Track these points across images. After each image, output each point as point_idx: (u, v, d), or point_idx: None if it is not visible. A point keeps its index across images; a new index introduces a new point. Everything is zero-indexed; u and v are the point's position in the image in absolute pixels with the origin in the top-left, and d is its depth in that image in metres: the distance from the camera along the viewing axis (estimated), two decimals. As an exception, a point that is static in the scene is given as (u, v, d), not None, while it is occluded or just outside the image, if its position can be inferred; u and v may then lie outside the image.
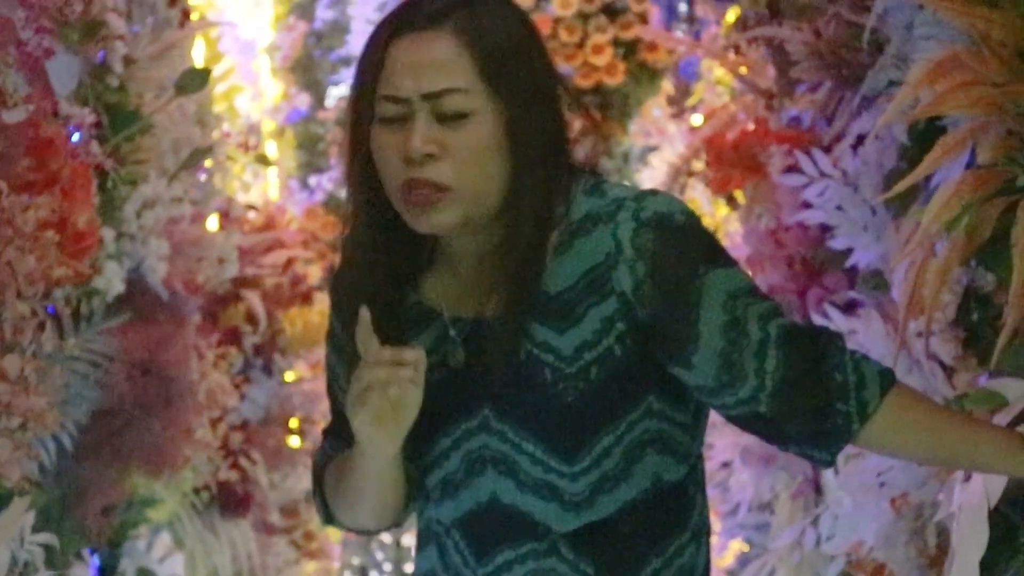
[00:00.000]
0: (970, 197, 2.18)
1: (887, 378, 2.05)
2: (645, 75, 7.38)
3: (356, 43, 7.65)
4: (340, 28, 7.58)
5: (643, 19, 7.24)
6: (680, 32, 5.20)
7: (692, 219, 2.04)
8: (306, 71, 7.52)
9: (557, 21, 7.25)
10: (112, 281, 3.32)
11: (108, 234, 3.31)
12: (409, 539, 8.20)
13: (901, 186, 2.24)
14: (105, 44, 3.35)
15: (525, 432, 2.05)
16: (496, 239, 2.06)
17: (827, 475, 3.78)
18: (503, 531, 2.08)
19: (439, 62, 2.00)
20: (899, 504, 2.97)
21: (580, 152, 2.11)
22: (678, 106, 7.38)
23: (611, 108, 7.41)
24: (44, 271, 2.46)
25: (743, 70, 4.89)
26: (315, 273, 5.74)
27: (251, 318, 4.61)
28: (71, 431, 3.00)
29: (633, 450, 2.05)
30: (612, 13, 7.24)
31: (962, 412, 2.25)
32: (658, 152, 6.13)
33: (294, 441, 5.38)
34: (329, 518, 2.24)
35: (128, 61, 3.46)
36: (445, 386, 2.08)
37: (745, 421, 2.08)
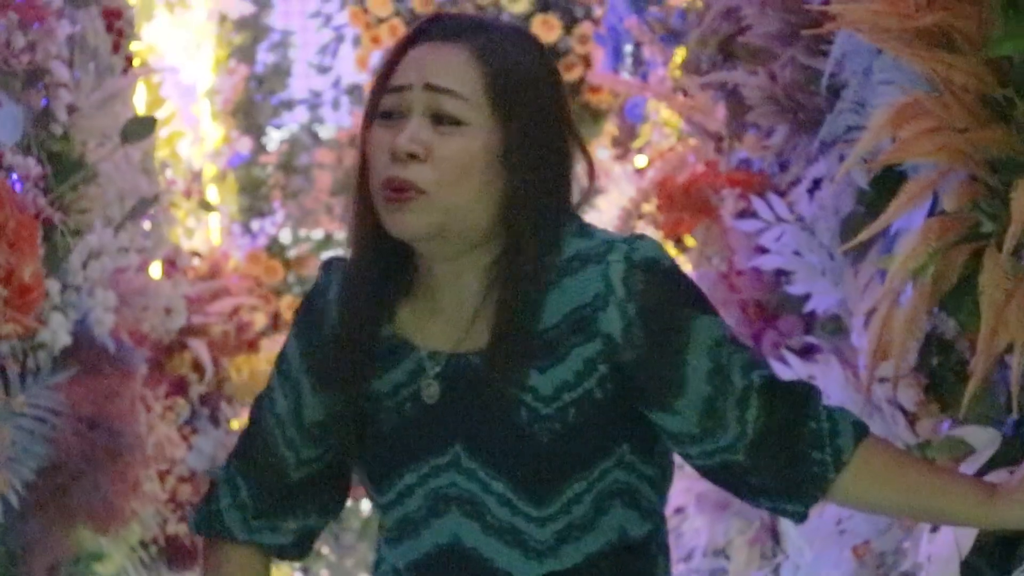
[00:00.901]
0: (936, 244, 2.16)
1: (860, 428, 2.06)
2: (588, 116, 7.37)
3: (298, 86, 7.63)
4: (282, 71, 7.54)
5: (586, 61, 7.23)
6: (625, 74, 5.18)
7: (677, 266, 2.05)
8: (247, 115, 7.47)
9: (500, 63, 7.23)
10: (58, 334, 3.24)
11: (53, 286, 3.24)
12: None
13: (866, 234, 2.22)
14: (48, 92, 3.30)
15: (495, 472, 2.01)
16: (479, 272, 2.03)
17: (784, 521, 3.75)
18: None
19: (448, 65, 2.01)
20: (861, 552, 2.95)
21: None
22: (623, 147, 7.37)
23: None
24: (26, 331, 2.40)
25: (691, 112, 4.88)
26: (260, 320, 5.68)
27: (197, 367, 4.54)
28: (17, 488, 2.92)
29: (602, 500, 2.02)
30: (555, 55, 7.23)
31: (933, 463, 2.23)
32: (605, 195, 6.12)
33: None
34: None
35: (71, 109, 3.41)
36: (415, 421, 2.04)
37: (719, 472, 2.06)
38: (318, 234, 7.73)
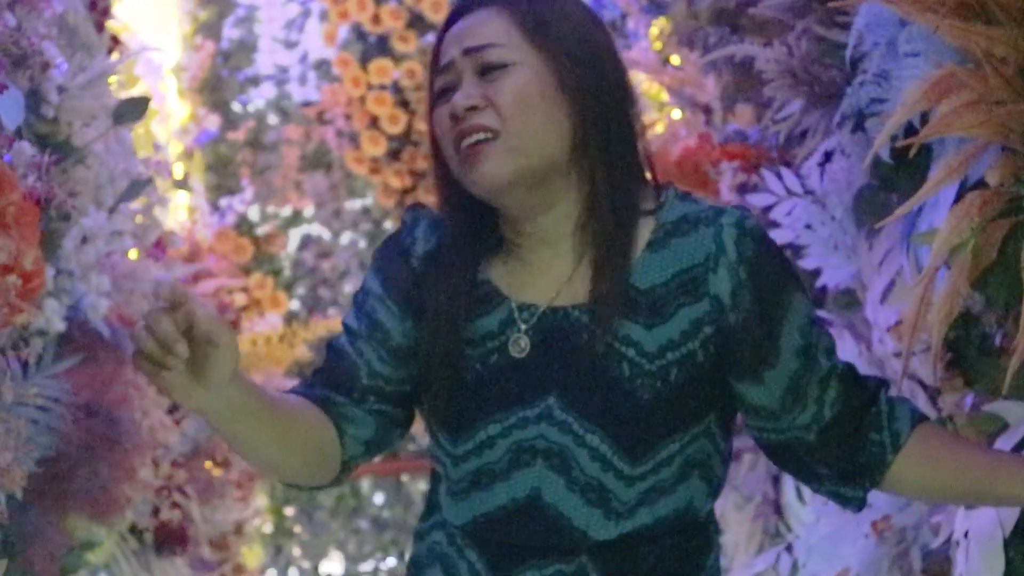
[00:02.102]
0: (978, 219, 2.12)
1: (917, 413, 2.09)
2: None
3: (264, 62, 7.53)
4: (248, 47, 7.45)
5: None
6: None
7: (777, 245, 2.08)
8: (214, 91, 7.38)
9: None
10: (52, 320, 3.18)
11: (47, 271, 3.17)
12: (328, 567, 8.08)
13: (903, 209, 2.18)
14: (37, 73, 3.22)
15: (592, 425, 2.00)
16: (568, 229, 2.04)
17: (789, 496, 3.73)
18: (532, 538, 2.01)
19: (479, 26, 2.05)
20: (881, 528, 2.92)
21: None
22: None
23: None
24: (5, 317, 2.33)
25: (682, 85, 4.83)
26: (239, 299, 5.61)
27: (182, 350, 4.45)
28: (21, 480, 2.86)
29: (687, 466, 2.03)
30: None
31: (987, 446, 2.21)
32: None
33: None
34: None
35: (60, 90, 3.33)
36: (501, 373, 2.03)
37: (785, 450, 2.08)
38: (287, 211, 7.66)
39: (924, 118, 2.43)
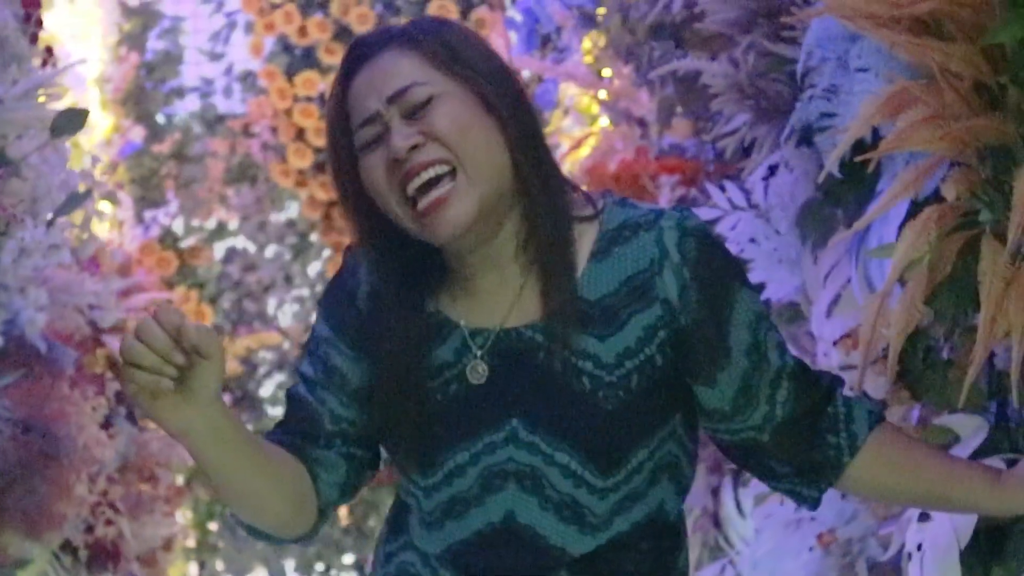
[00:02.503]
0: (935, 233, 2.14)
1: (875, 415, 2.09)
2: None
3: (189, 73, 7.48)
4: (173, 59, 7.39)
5: (483, 46, 7.17)
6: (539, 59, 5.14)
7: (721, 238, 2.11)
8: (138, 103, 7.31)
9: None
10: (-10, 335, 3.14)
11: (-17, 285, 3.13)
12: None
13: (863, 222, 2.20)
14: (-28, 84, 3.18)
15: (560, 443, 1.99)
16: (513, 248, 2.03)
17: (728, 509, 3.74)
18: (509, 560, 2.01)
19: (392, 69, 2.01)
20: (827, 540, 2.93)
21: None
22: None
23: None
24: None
25: (605, 96, 4.85)
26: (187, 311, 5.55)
27: (113, 365, 4.42)
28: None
29: (656, 471, 2.03)
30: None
31: (944, 451, 2.22)
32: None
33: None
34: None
35: (-6, 102, 3.29)
36: (463, 401, 2.02)
37: (741, 450, 2.09)
38: (211, 224, 7.60)
39: (876, 134, 2.45)
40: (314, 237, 7.62)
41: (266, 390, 7.70)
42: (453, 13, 7.09)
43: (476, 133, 1.98)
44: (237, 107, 7.49)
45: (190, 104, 7.45)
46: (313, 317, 7.59)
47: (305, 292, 7.68)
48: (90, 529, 4.01)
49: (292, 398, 2.11)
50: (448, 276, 2.07)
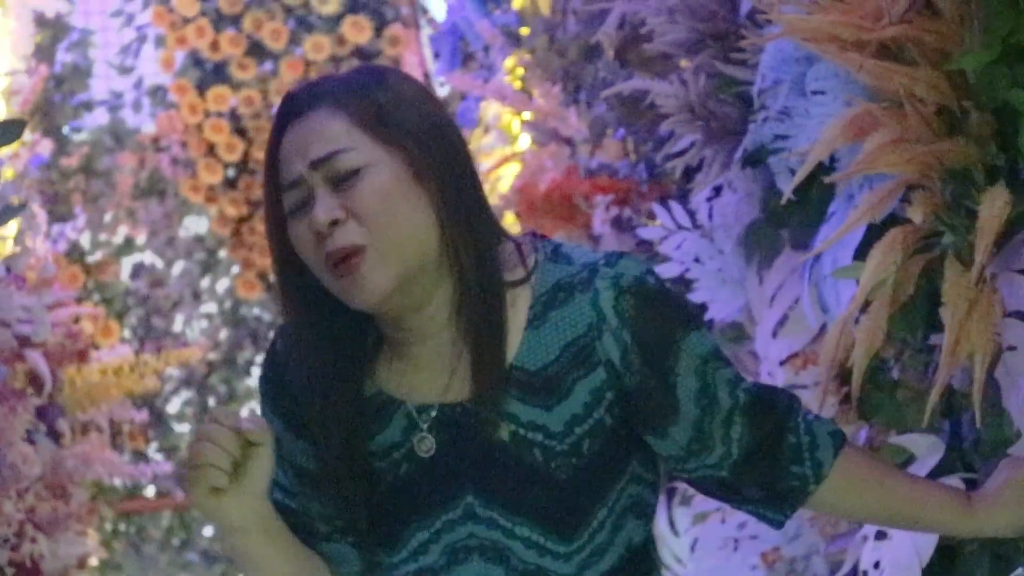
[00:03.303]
0: (901, 254, 2.17)
1: (838, 438, 2.05)
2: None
3: (98, 87, 7.40)
4: (82, 72, 7.31)
5: (395, 63, 7.18)
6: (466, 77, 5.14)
7: (660, 281, 1.99)
8: (46, 116, 7.22)
9: (309, 64, 7.14)
10: (-78, 349, 3.08)
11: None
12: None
13: (827, 244, 2.23)
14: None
15: (517, 516, 1.95)
16: (446, 319, 1.97)
17: (661, 527, 3.76)
18: None
19: (319, 132, 1.95)
20: (771, 559, 2.96)
21: None
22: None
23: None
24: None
25: (529, 115, 4.86)
26: (87, 329, 5.49)
27: (33, 380, 4.36)
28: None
29: (619, 519, 2.00)
30: (365, 56, 7.18)
31: (909, 472, 2.24)
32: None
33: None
34: None
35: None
36: (415, 479, 1.98)
37: (703, 484, 2.06)
38: (119, 239, 7.52)
39: (830, 158, 2.48)
40: (223, 253, 7.57)
41: (173, 406, 7.64)
42: (367, 30, 7.09)
43: (400, 212, 1.92)
44: (146, 121, 7.42)
45: (99, 118, 7.36)
46: (221, 334, 7.57)
47: (213, 308, 7.62)
48: (15, 547, 3.94)
49: (277, 506, 2.05)
50: (386, 346, 2.02)
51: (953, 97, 2.20)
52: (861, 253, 2.42)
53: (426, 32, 7.19)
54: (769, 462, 2.02)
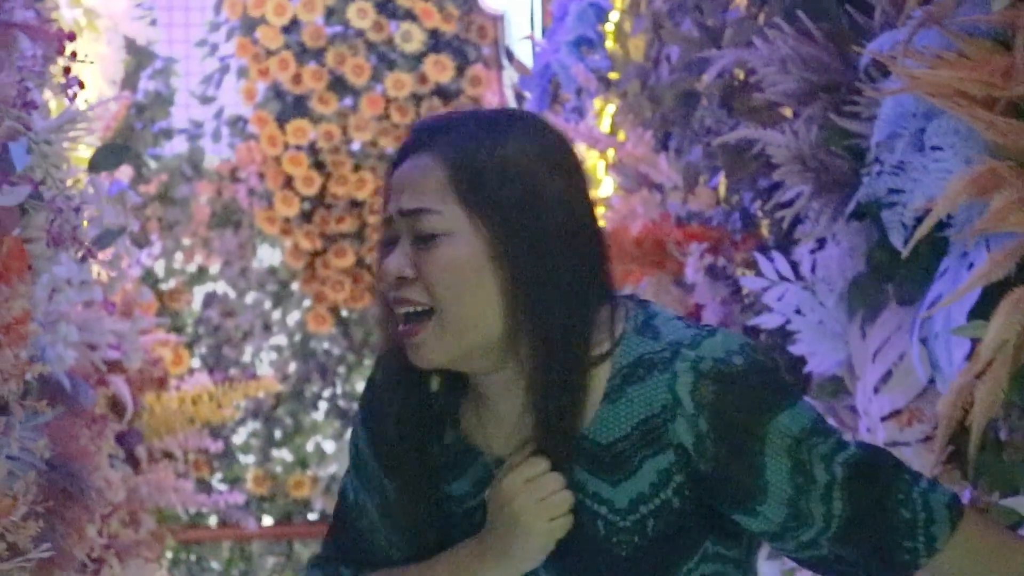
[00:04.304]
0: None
1: (955, 509, 1.98)
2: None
3: (179, 115, 7.45)
4: (164, 100, 7.36)
5: (476, 103, 7.20)
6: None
7: (751, 359, 1.93)
8: (127, 142, 7.27)
9: (389, 101, 7.16)
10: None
11: (17, 319, 3.08)
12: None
13: (948, 300, 2.20)
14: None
15: None
16: (521, 378, 1.95)
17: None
18: None
19: (416, 182, 1.94)
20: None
21: None
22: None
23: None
24: (21, 365, 2.26)
25: (615, 160, 4.85)
26: (167, 356, 5.51)
27: (115, 405, 4.37)
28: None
29: None
30: (446, 95, 7.19)
31: (1027, 538, 2.20)
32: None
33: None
34: None
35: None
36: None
37: (809, 563, 2.00)
38: (192, 267, 7.56)
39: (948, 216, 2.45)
40: (295, 286, 7.58)
41: (239, 437, 7.65)
42: (449, 69, 7.11)
43: (467, 288, 1.91)
44: (224, 151, 7.46)
45: (178, 146, 7.41)
46: (290, 367, 7.57)
47: (283, 341, 7.63)
48: (95, 572, 3.95)
49: (345, 525, 2.10)
50: (471, 393, 2.02)
51: (1082, 157, 2.19)
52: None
53: (508, 73, 7.20)
54: (875, 536, 1.95)
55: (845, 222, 2.92)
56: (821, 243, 3.06)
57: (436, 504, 2.01)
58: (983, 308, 2.38)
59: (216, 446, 5.04)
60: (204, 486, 7.33)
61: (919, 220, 2.54)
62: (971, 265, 2.46)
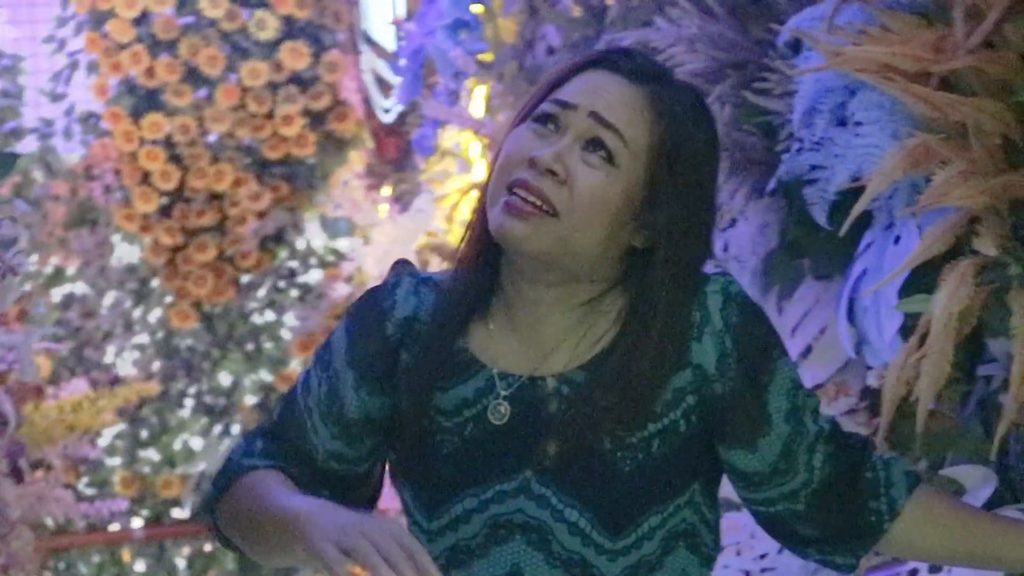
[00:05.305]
0: (972, 287, 2.16)
1: (912, 477, 2.06)
2: (333, 146, 7.25)
3: (29, 114, 7.25)
4: (12, 99, 7.14)
5: (334, 89, 7.11)
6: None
7: (761, 307, 2.04)
8: (-25, 144, 7.06)
9: (245, 91, 7.04)
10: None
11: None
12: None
13: (889, 278, 2.21)
14: None
15: (571, 499, 1.94)
16: (567, 306, 1.97)
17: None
18: None
19: (622, 103, 1.95)
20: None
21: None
22: (377, 178, 7.28)
23: (298, 179, 7.25)
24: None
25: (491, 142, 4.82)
26: (46, 365, 5.37)
27: (-4, 417, 4.24)
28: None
29: (670, 539, 1.98)
30: (302, 83, 7.08)
31: (984, 510, 2.23)
32: (379, 226, 6.02)
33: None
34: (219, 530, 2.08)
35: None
36: (479, 443, 1.97)
37: (775, 520, 2.05)
38: (49, 268, 7.36)
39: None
40: (155, 283, 7.43)
41: (104, 440, 7.48)
42: (305, 57, 7.00)
43: (602, 222, 1.94)
44: (78, 149, 7.27)
45: (29, 145, 7.21)
46: (154, 366, 7.41)
47: (146, 339, 7.47)
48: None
49: (290, 411, 2.07)
50: (491, 310, 2.02)
51: (1018, 129, 2.21)
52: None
53: (366, 58, 7.12)
54: (846, 498, 2.02)
55: (770, 198, 2.93)
56: (732, 222, 3.06)
57: (424, 414, 2.00)
58: (913, 282, 2.40)
59: (96, 452, 4.92)
60: (72, 492, 7.16)
61: (842, 195, 2.55)
62: (898, 238, 2.48)
